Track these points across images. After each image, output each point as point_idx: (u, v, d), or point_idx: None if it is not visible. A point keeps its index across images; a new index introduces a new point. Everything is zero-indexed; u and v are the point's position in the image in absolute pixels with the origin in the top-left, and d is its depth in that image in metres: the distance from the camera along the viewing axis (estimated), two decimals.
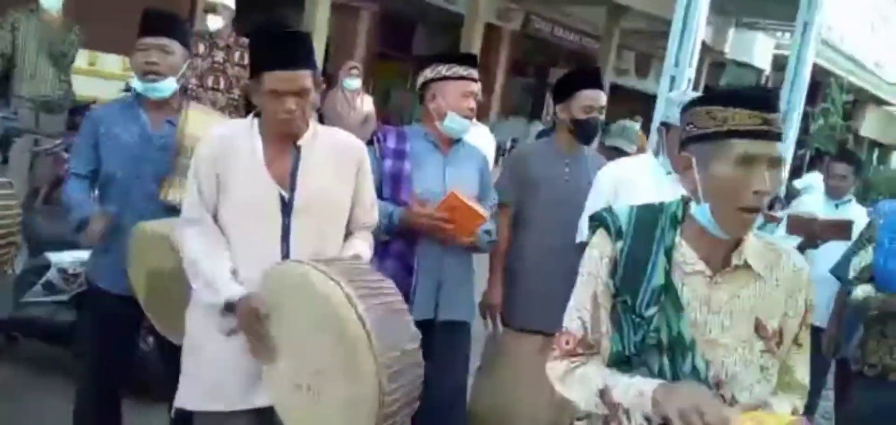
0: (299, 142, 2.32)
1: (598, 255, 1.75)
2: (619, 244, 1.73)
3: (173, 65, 2.78)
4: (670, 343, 1.66)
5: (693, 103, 1.71)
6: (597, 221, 1.80)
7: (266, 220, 2.28)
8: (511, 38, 14.14)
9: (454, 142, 3.13)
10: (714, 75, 17.28)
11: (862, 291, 3.36)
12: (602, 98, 3.43)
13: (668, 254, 1.69)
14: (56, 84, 5.73)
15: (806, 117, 15.85)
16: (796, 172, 14.28)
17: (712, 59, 16.11)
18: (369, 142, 3.05)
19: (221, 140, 2.32)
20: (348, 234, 2.45)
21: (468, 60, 3.12)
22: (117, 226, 2.76)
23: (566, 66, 17.50)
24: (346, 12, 11.09)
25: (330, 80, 11.19)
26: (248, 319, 2.16)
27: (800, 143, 15.43)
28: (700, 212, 1.66)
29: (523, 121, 13.65)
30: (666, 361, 1.66)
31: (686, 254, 1.69)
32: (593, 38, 15.26)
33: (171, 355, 2.72)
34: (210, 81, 5.52)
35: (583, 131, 3.43)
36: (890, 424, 3.40)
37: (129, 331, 2.95)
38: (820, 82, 16.87)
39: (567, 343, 1.78)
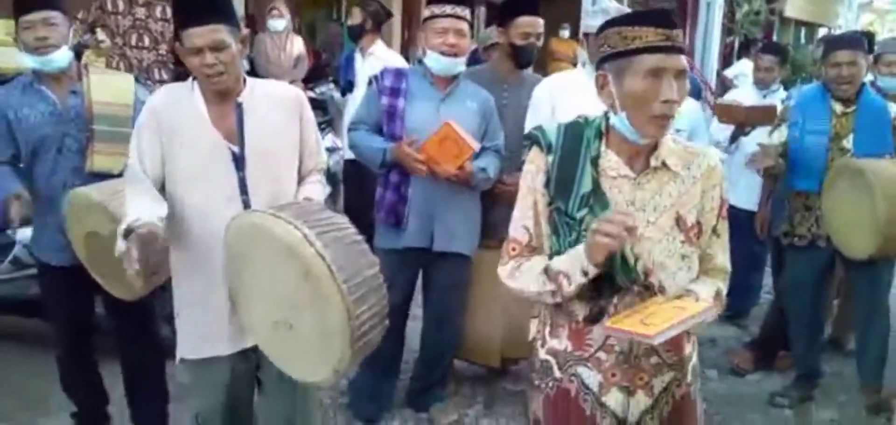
0: (239, 99, 2.37)
1: (534, 169, 1.93)
2: (551, 157, 1.90)
3: (62, 34, 2.80)
4: None
5: (605, 27, 1.86)
6: (530, 139, 1.97)
7: (222, 177, 2.35)
8: None
9: (452, 79, 3.21)
10: None
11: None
12: (539, 24, 3.53)
13: (595, 162, 1.86)
14: None
15: (731, 5, 16.17)
16: (726, 61, 14.55)
17: None
18: (369, 83, 3.29)
19: (162, 107, 2.36)
20: (301, 179, 2.54)
21: None
22: (50, 200, 2.82)
23: None
24: None
25: (254, 22, 10.95)
26: (140, 239, 2.13)
27: (728, 31, 15.72)
28: (619, 121, 1.82)
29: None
30: None
31: (611, 160, 1.86)
32: None
33: (117, 311, 2.91)
34: (134, 39, 5.40)
35: (520, 56, 3.54)
36: (820, 282, 3.79)
37: (84, 296, 3.01)
38: None
39: (514, 249, 1.97)
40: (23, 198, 2.71)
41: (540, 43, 3.56)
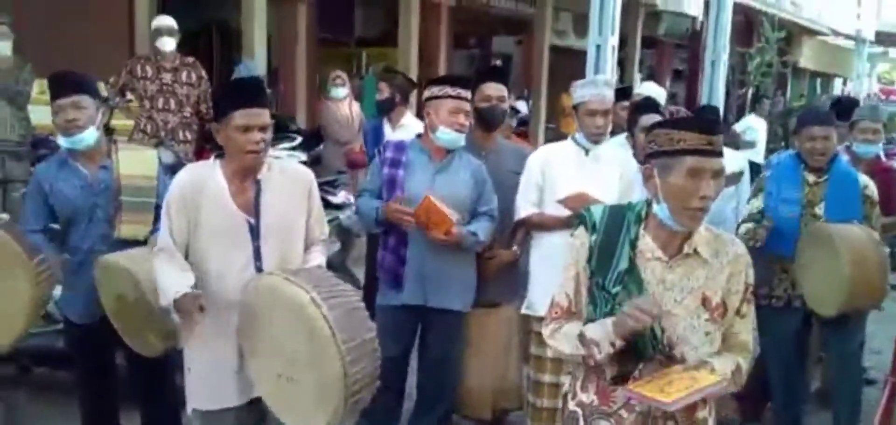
0: (259, 176, 2.68)
1: (578, 244, 2.21)
2: (594, 236, 2.18)
3: (90, 116, 3.08)
4: None
5: (654, 126, 2.16)
6: (578, 219, 2.26)
7: (239, 246, 2.67)
8: (449, 12, 14.32)
9: (448, 152, 3.53)
10: (651, 25, 17.70)
11: (743, 228, 3.85)
12: (502, 90, 3.91)
13: (633, 244, 2.13)
14: (15, 124, 5.92)
15: (743, 57, 16.44)
16: (740, 113, 14.80)
17: (647, 11, 16.53)
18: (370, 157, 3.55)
19: (187, 184, 2.68)
20: (306, 248, 2.85)
21: (458, 82, 3.56)
22: (80, 264, 3.11)
23: (506, 35, 17.84)
24: (284, 3, 11.20)
25: (276, 75, 11.37)
26: (187, 305, 2.53)
27: (741, 84, 15.97)
28: (660, 210, 2.09)
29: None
30: None
31: (647, 244, 2.13)
32: (529, 2, 15.55)
33: (138, 364, 3.17)
34: (160, 102, 5.76)
35: (483, 119, 3.89)
36: (798, 339, 4.00)
37: (106, 352, 3.29)
38: (754, 22, 17.42)
39: (556, 312, 2.26)
40: (59, 261, 3.06)
41: (504, 105, 3.93)
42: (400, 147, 3.59)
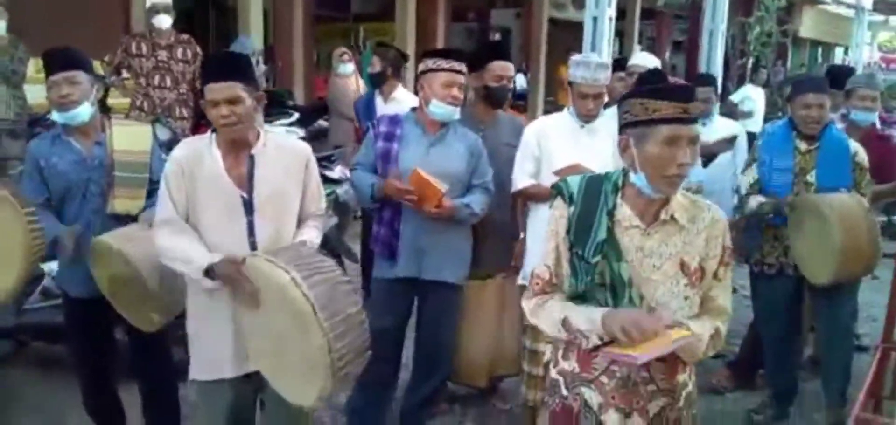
0: (253, 151, 2.71)
1: (558, 216, 2.24)
2: (572, 207, 2.20)
3: (84, 91, 3.09)
4: (612, 281, 2.14)
5: (628, 97, 2.16)
6: (556, 190, 2.28)
7: (233, 220, 2.69)
8: None
9: (442, 126, 3.53)
10: None
11: (754, 201, 3.87)
12: (511, 69, 3.90)
13: (611, 213, 2.15)
14: (10, 102, 5.94)
15: (743, 27, 16.36)
16: (741, 83, 14.76)
17: None
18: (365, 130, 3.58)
19: (184, 158, 2.70)
20: (301, 222, 2.86)
21: (452, 55, 3.55)
22: (76, 240, 3.07)
23: (505, 8, 17.78)
24: None
25: (272, 51, 11.36)
26: (230, 270, 2.56)
27: (741, 53, 15.90)
28: (638, 179, 2.11)
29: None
30: (609, 296, 2.14)
31: (625, 212, 2.15)
32: None
33: (136, 339, 3.21)
34: (156, 80, 5.76)
35: (494, 97, 3.89)
36: (790, 306, 4.04)
37: (104, 327, 3.31)
38: None
39: (537, 284, 2.28)
40: (75, 234, 3.02)
41: (511, 85, 3.93)
42: (394, 120, 3.59)
